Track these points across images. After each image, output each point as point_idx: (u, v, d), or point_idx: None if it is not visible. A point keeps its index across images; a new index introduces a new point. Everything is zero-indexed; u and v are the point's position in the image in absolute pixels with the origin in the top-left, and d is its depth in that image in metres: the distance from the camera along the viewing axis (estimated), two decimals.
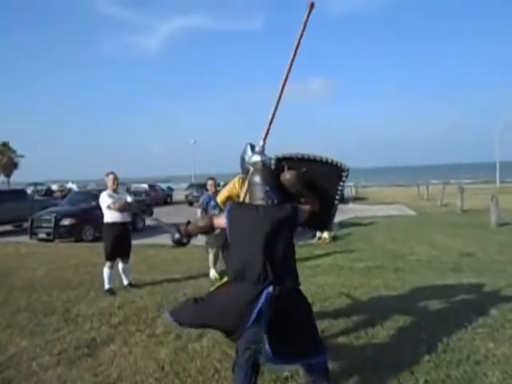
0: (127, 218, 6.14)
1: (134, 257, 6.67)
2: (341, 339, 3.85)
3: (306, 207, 2.79)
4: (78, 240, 12.10)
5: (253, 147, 3.12)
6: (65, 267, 7.80)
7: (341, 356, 3.43)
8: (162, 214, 17.60)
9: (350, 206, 24.45)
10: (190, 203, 26.37)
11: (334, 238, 10.62)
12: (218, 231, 2.95)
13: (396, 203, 24.68)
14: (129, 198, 6.24)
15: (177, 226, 2.93)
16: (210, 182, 7.14)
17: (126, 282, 6.17)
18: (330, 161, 2.94)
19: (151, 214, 15.75)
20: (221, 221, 2.71)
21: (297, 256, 2.74)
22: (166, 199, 30.29)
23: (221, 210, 3.89)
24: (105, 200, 5.93)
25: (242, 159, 3.22)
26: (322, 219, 3.02)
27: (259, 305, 2.41)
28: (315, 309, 2.99)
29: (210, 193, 6.96)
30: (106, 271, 5.87)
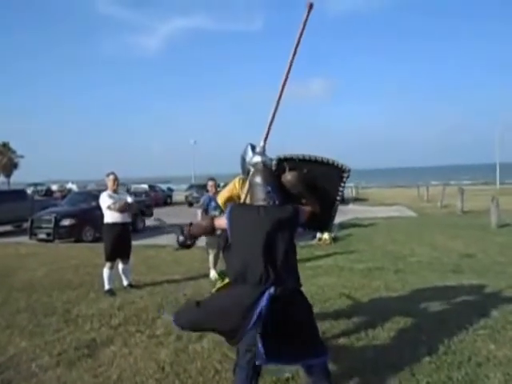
0: (127, 218, 6.13)
1: (134, 257, 6.67)
2: (341, 340, 3.85)
3: (307, 208, 2.79)
4: (78, 240, 12.08)
5: (253, 148, 3.11)
6: (65, 268, 7.79)
7: (341, 357, 3.42)
8: (162, 215, 17.56)
9: (350, 207, 24.46)
10: (190, 204, 26.36)
11: (334, 239, 10.61)
12: (219, 232, 2.94)
13: (396, 204, 24.67)
14: (129, 199, 6.24)
15: (181, 228, 2.91)
16: (210, 183, 7.13)
17: (125, 283, 6.17)
18: (331, 162, 2.93)
19: (151, 214, 15.74)
20: (222, 221, 2.70)
21: (298, 257, 2.73)
22: (165, 200, 30.28)
23: (221, 211, 3.88)
24: (105, 200, 5.93)
25: (243, 160, 3.22)
26: (322, 220, 3.01)
27: (260, 307, 2.40)
28: (315, 310, 2.99)
29: (210, 194, 6.95)
30: (105, 272, 5.86)
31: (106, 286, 5.83)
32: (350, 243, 10.45)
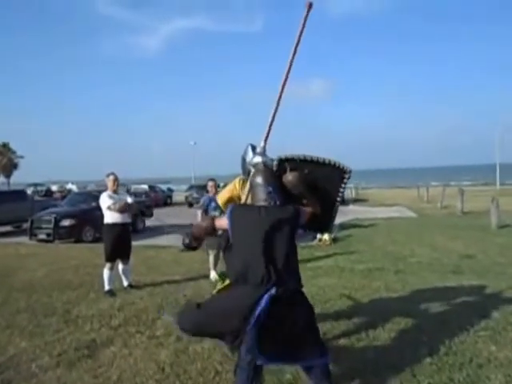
0: (127, 218, 6.13)
1: (134, 258, 6.66)
2: (342, 341, 3.84)
3: (308, 209, 2.78)
4: (78, 241, 12.08)
5: (254, 148, 3.11)
6: (65, 268, 7.78)
7: (342, 358, 3.41)
8: (162, 216, 17.61)
9: (351, 207, 24.46)
10: (190, 204, 26.34)
11: (334, 240, 10.61)
12: (220, 232, 2.93)
13: (396, 205, 24.67)
14: (129, 199, 6.23)
15: (186, 231, 2.91)
16: (210, 184, 7.13)
17: (125, 283, 6.16)
18: (332, 162, 2.92)
19: (151, 215, 15.73)
20: (223, 222, 2.70)
21: (298, 257, 2.73)
22: (165, 200, 30.29)
23: (221, 212, 3.87)
24: (105, 201, 5.92)
25: (243, 160, 3.21)
26: (322, 221, 3.01)
27: (260, 308, 2.39)
28: (316, 310, 2.97)
29: (210, 194, 6.95)
30: (105, 272, 5.85)
31: (106, 287, 5.82)
32: (350, 244, 10.45)
